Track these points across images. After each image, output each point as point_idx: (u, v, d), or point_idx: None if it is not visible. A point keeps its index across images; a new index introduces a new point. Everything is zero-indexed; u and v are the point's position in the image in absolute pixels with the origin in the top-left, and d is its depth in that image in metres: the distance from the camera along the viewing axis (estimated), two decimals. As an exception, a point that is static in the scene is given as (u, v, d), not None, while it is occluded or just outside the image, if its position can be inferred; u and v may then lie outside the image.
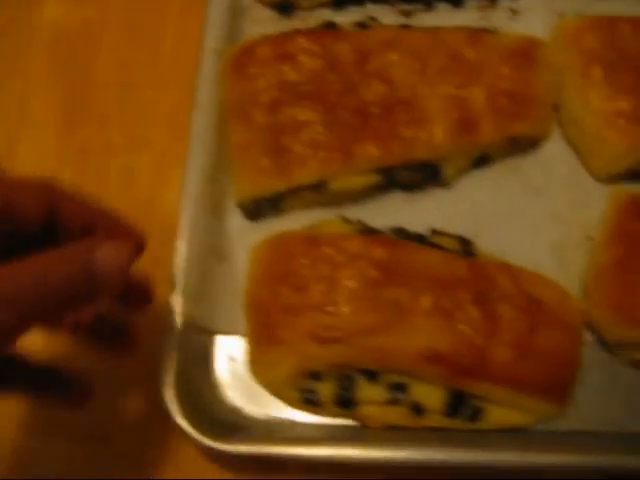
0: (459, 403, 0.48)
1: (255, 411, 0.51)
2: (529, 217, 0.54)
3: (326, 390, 0.48)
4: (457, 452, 0.47)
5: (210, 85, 0.54)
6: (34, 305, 0.34)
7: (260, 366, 0.49)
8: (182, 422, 0.47)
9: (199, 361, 0.51)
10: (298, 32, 0.55)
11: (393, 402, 0.48)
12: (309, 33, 0.55)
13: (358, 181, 0.52)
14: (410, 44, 0.55)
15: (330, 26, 0.56)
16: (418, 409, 0.48)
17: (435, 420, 0.48)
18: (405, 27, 0.56)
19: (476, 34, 0.55)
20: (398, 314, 0.46)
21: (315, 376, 0.48)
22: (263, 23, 0.59)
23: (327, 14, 0.59)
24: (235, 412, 0.51)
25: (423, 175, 0.54)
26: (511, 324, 0.47)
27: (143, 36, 0.61)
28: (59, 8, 0.63)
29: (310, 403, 0.48)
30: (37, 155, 0.59)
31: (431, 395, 0.48)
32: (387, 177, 0.53)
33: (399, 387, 0.48)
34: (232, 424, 0.50)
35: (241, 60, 0.54)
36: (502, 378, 0.47)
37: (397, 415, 0.48)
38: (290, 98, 0.53)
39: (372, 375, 0.48)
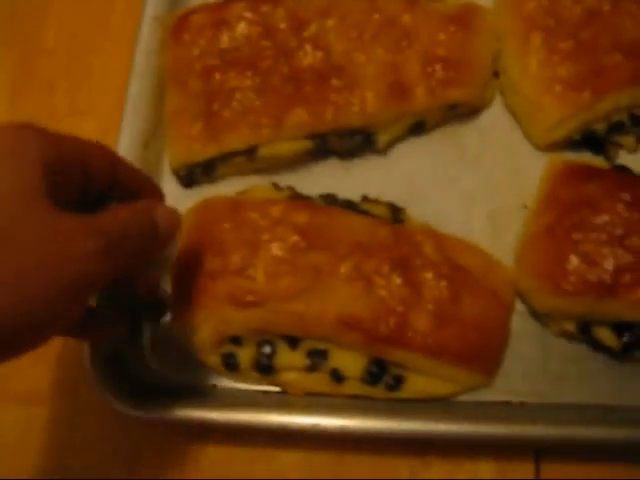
0: (379, 371, 0.47)
1: (181, 378, 0.51)
2: (465, 185, 0.54)
3: (245, 355, 0.48)
4: (376, 420, 0.46)
5: (149, 52, 0.55)
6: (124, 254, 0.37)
7: (183, 330, 0.49)
8: (99, 385, 0.47)
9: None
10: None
11: (312, 369, 0.47)
12: (246, 0, 0.55)
13: (289, 147, 0.52)
14: (346, 10, 0.54)
15: (267, -7, 0.56)
16: (338, 376, 0.47)
17: (355, 388, 0.47)
18: (343, -6, 0.56)
19: (414, 0, 0.54)
20: (317, 279, 0.46)
21: (236, 341, 0.48)
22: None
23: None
24: (161, 378, 0.51)
25: (357, 142, 0.54)
26: (433, 292, 0.47)
27: (92, 5, 0.62)
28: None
29: (230, 368, 0.48)
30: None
31: (351, 362, 0.47)
32: (320, 144, 0.53)
33: (319, 354, 0.47)
34: (158, 390, 0.50)
35: (179, 27, 0.55)
36: (421, 346, 0.46)
37: (317, 382, 0.47)
38: (224, 65, 0.53)
39: (293, 341, 0.47)
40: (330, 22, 0.54)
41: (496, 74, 0.55)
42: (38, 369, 0.53)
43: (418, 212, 0.52)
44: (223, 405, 0.48)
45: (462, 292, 0.47)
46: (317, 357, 0.47)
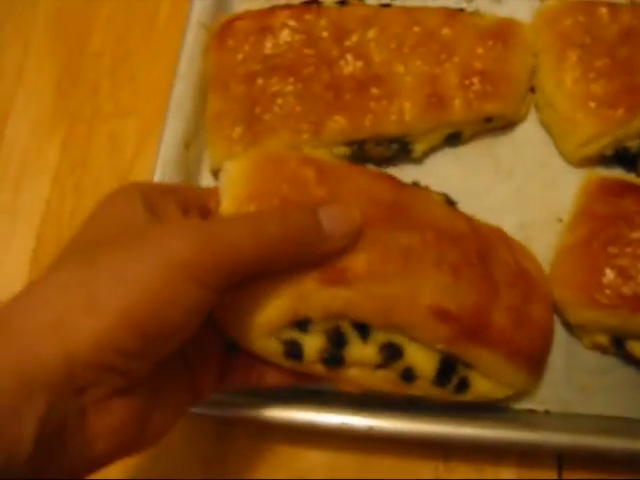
0: (449, 370, 0.44)
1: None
2: (497, 197, 0.55)
3: (313, 344, 0.42)
4: (403, 422, 0.47)
5: (193, 56, 0.56)
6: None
7: (239, 308, 0.40)
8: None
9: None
10: (279, 7, 0.57)
11: (384, 365, 0.43)
12: (290, 8, 0.56)
13: (328, 152, 0.53)
14: (387, 22, 0.56)
15: (311, 2, 0.58)
16: (409, 376, 0.44)
17: (422, 389, 0.44)
18: (385, 6, 0.57)
19: (453, 14, 0.56)
20: (406, 262, 0.42)
21: (302, 327, 0.41)
22: (251, 0, 0.60)
23: (312, -9, 0.60)
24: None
25: (394, 150, 0.55)
26: (509, 291, 0.46)
27: (139, 10, 0.64)
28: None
29: (293, 357, 0.42)
30: (31, 118, 0.62)
31: (424, 360, 0.44)
32: (357, 150, 0.54)
33: (393, 349, 0.43)
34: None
35: (223, 33, 0.56)
36: (500, 344, 0.44)
37: (383, 380, 0.44)
38: (266, 70, 0.55)
39: (364, 331, 0.42)
40: (371, 33, 0.55)
41: (531, 89, 0.56)
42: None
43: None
44: (252, 402, 0.48)
45: (531, 295, 0.47)
46: (391, 353, 0.43)
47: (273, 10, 0.56)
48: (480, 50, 0.54)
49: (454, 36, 0.55)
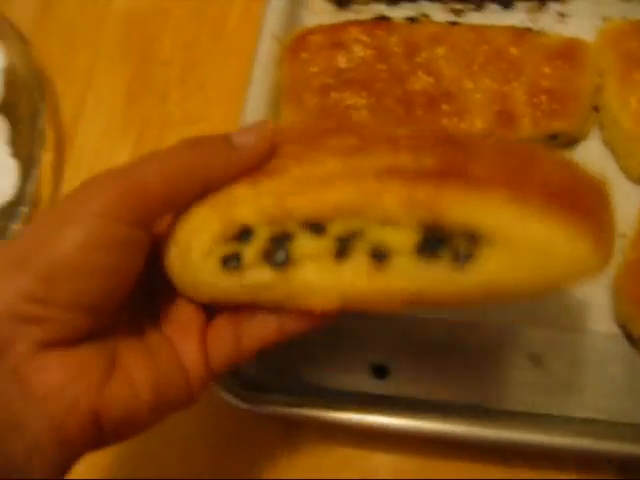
0: (436, 240, 0.32)
1: (284, 373, 0.53)
2: (561, 212, 0.56)
3: (252, 248, 0.34)
4: (470, 427, 0.48)
5: (266, 67, 0.58)
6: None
7: (170, 243, 0.35)
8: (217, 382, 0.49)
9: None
10: (351, 22, 0.58)
11: (343, 252, 0.33)
12: (361, 24, 0.58)
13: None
14: (457, 39, 0.57)
15: (382, 19, 0.59)
16: (380, 253, 0.33)
17: (405, 271, 0.32)
18: (454, 24, 0.59)
19: (521, 33, 0.57)
20: (349, 152, 0.34)
21: (243, 237, 0.34)
22: (320, 14, 0.62)
23: (381, 9, 0.62)
24: (265, 374, 0.53)
25: (461, 164, 0.56)
26: (497, 154, 0.34)
27: (208, 18, 0.65)
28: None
29: (230, 266, 0.34)
30: (101, 123, 0.63)
31: (397, 234, 0.32)
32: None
33: (352, 236, 0.33)
34: (262, 387, 0.52)
35: (296, 46, 0.58)
36: (489, 185, 0.31)
37: (351, 274, 0.33)
38: (339, 84, 0.56)
39: (318, 229, 0.33)
40: (441, 50, 0.57)
41: (595, 108, 0.58)
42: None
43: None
44: (319, 403, 0.50)
45: (537, 155, 0.34)
46: (349, 235, 0.33)
47: (346, 25, 0.58)
48: (547, 69, 0.56)
49: (521, 55, 0.56)
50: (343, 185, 0.32)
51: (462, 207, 0.31)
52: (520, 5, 0.61)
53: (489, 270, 0.31)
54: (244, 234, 0.34)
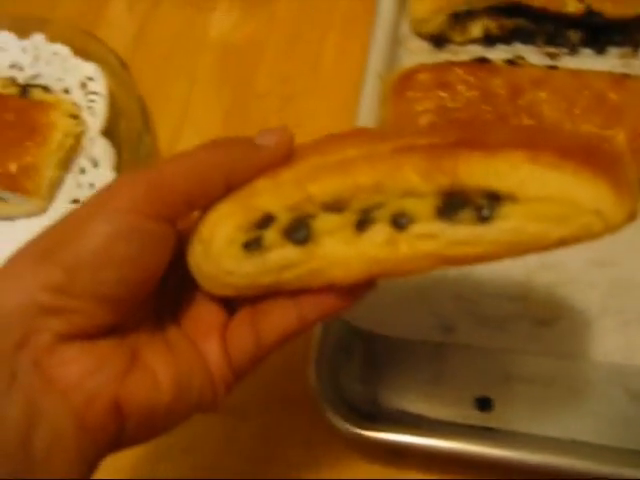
0: (457, 200, 0.32)
1: (386, 403, 0.54)
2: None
3: (275, 228, 0.34)
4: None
5: (371, 105, 0.59)
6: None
7: (198, 235, 0.35)
8: (326, 407, 0.51)
9: (339, 351, 0.55)
10: (455, 63, 0.60)
11: (364, 223, 0.33)
12: (465, 65, 0.60)
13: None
14: (558, 84, 0.59)
15: (483, 61, 0.61)
16: (401, 221, 0.33)
17: (429, 235, 0.32)
18: (553, 68, 0.61)
19: (619, 79, 0.59)
20: (369, 140, 0.35)
21: (265, 224, 0.34)
22: (417, 53, 0.64)
23: (477, 50, 0.64)
24: (369, 402, 0.54)
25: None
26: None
27: (304, 51, 0.67)
28: (228, 21, 0.69)
29: (252, 249, 0.34)
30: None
31: (418, 200, 0.32)
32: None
33: (371, 209, 0.33)
34: (366, 413, 0.53)
35: (402, 84, 0.59)
36: (505, 149, 0.31)
37: (373, 244, 0.33)
38: (446, 122, 0.58)
39: (339, 209, 0.34)
40: (542, 94, 0.59)
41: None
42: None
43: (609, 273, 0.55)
44: (422, 432, 0.51)
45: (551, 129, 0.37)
46: (370, 208, 0.33)
47: (450, 65, 0.60)
48: (646, 114, 0.58)
49: (621, 100, 0.58)
50: (362, 165, 0.33)
51: (480, 170, 0.31)
52: (613, 50, 0.63)
53: (513, 225, 0.31)
54: (266, 221, 0.34)
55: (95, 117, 0.64)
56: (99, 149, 0.61)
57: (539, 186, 0.30)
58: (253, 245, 0.34)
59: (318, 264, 0.33)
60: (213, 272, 0.35)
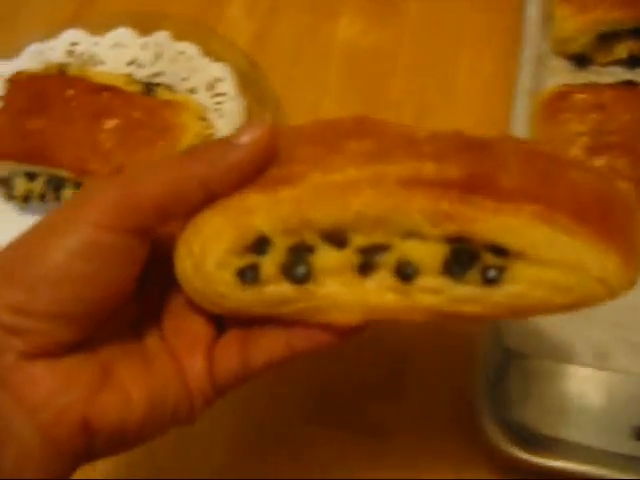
0: (465, 256, 0.31)
1: (540, 427, 0.52)
2: None
3: (272, 258, 0.32)
4: None
5: (523, 125, 0.58)
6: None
7: (188, 247, 0.33)
8: (492, 430, 0.49)
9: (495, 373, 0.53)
10: (608, 85, 0.58)
11: (366, 268, 0.32)
12: (619, 87, 0.58)
13: None
14: None
15: (630, 83, 0.60)
16: (406, 272, 0.31)
17: (433, 289, 0.31)
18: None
19: None
20: (370, 157, 0.32)
21: (261, 248, 0.32)
22: (558, 73, 0.62)
23: (620, 72, 0.62)
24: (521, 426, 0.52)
25: None
26: (520, 164, 0.32)
27: (437, 64, 0.65)
28: (354, 28, 0.67)
29: (247, 280, 0.32)
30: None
31: (423, 249, 0.31)
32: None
33: (375, 250, 0.32)
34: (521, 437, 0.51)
35: (555, 105, 0.58)
36: (518, 201, 0.30)
37: (377, 291, 0.32)
38: (601, 146, 0.56)
39: (340, 242, 0.32)
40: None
41: None
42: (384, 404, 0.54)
43: None
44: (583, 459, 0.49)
45: (564, 164, 0.33)
46: (373, 249, 0.32)
47: (603, 88, 0.58)
48: None
49: None
50: (366, 193, 0.31)
51: (491, 224, 0.30)
52: None
53: (517, 290, 0.31)
54: (261, 244, 0.32)
55: (223, 119, 0.62)
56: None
57: (551, 250, 0.30)
58: (248, 274, 0.32)
59: (317, 304, 0.32)
60: (204, 290, 0.33)
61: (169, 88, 0.63)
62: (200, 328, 0.36)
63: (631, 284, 0.31)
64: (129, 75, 0.64)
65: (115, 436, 0.32)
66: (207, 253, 0.32)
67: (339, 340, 0.34)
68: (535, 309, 0.31)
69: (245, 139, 0.32)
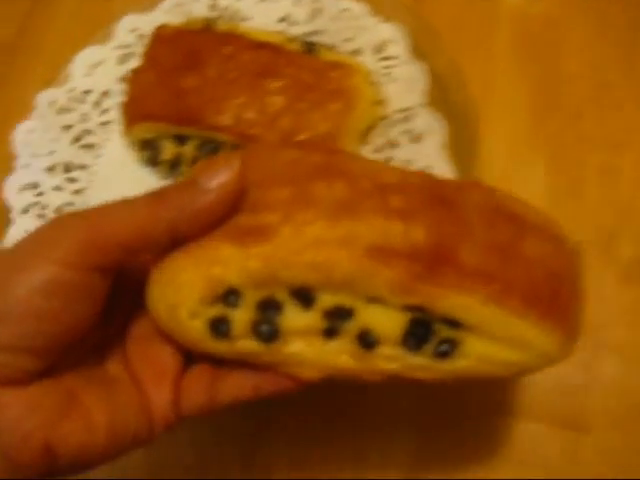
0: (423, 329, 0.34)
1: None
2: None
3: (242, 316, 0.34)
4: None
5: None
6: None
7: (163, 296, 0.35)
8: None
9: None
10: None
11: (332, 332, 0.34)
12: None
13: None
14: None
15: None
16: (367, 341, 0.34)
17: (389, 358, 0.34)
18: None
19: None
20: (338, 210, 0.33)
21: (230, 300, 0.34)
22: None
23: None
24: None
25: None
26: (487, 230, 0.34)
27: (613, 36, 0.60)
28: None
29: (218, 333, 0.34)
30: (507, 139, 0.58)
31: (386, 319, 0.34)
32: None
33: (341, 313, 0.34)
34: None
35: None
36: (478, 282, 0.33)
37: (338, 353, 0.34)
38: None
39: (307, 300, 0.34)
40: None
41: None
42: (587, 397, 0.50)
43: None
44: None
45: (522, 232, 0.35)
46: (338, 313, 0.34)
47: None
48: None
49: None
50: (335, 257, 0.32)
51: (450, 300, 0.33)
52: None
53: (465, 364, 0.34)
54: (231, 295, 0.34)
55: (395, 85, 0.56)
56: (422, 121, 0.54)
57: (500, 328, 0.33)
58: (220, 328, 0.34)
59: (282, 360, 0.35)
60: (176, 333, 0.35)
61: (330, 49, 0.58)
62: (168, 358, 0.37)
63: (569, 354, 0.35)
64: (285, 33, 0.59)
65: (77, 459, 0.33)
66: (180, 302, 0.33)
67: (303, 388, 0.36)
68: (481, 378, 0.35)
69: (213, 184, 0.33)
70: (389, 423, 0.51)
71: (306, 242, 0.32)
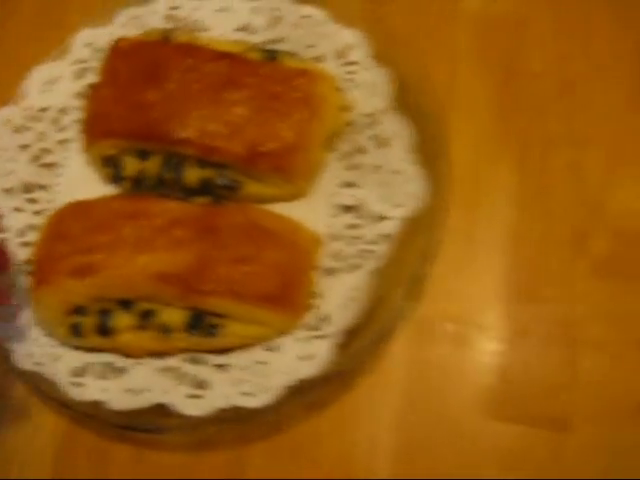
0: (198, 321, 0.51)
1: None
2: None
3: (88, 321, 0.52)
4: None
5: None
6: None
7: (36, 307, 0.54)
8: None
9: None
10: None
11: (143, 327, 0.52)
12: None
13: None
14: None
15: None
16: (165, 329, 0.51)
17: (181, 340, 0.52)
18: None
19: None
20: (139, 247, 0.51)
21: (81, 311, 0.52)
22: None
23: None
24: None
25: None
26: (236, 247, 0.51)
27: (573, 32, 0.60)
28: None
29: (76, 334, 0.53)
30: (474, 139, 0.58)
31: (174, 316, 0.51)
32: None
33: (148, 313, 0.52)
34: None
35: None
36: (226, 291, 0.50)
37: (149, 339, 0.52)
38: None
39: (127, 305, 0.52)
40: None
41: None
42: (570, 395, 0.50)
43: None
44: None
45: (263, 245, 0.52)
46: (147, 316, 0.52)
47: None
48: None
49: None
50: (139, 283, 0.51)
51: (210, 302, 0.50)
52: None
53: (230, 338, 0.51)
54: (80, 309, 0.52)
55: (359, 91, 0.56)
56: (388, 126, 0.53)
57: (245, 316, 0.51)
58: (76, 331, 0.53)
59: (119, 347, 0.53)
60: (52, 333, 0.54)
61: (292, 56, 0.57)
62: None
63: (295, 326, 0.52)
64: (245, 42, 0.58)
65: None
66: (49, 317, 0.53)
67: None
68: (244, 344, 0.52)
69: None
70: (373, 423, 0.51)
71: (121, 272, 0.51)
